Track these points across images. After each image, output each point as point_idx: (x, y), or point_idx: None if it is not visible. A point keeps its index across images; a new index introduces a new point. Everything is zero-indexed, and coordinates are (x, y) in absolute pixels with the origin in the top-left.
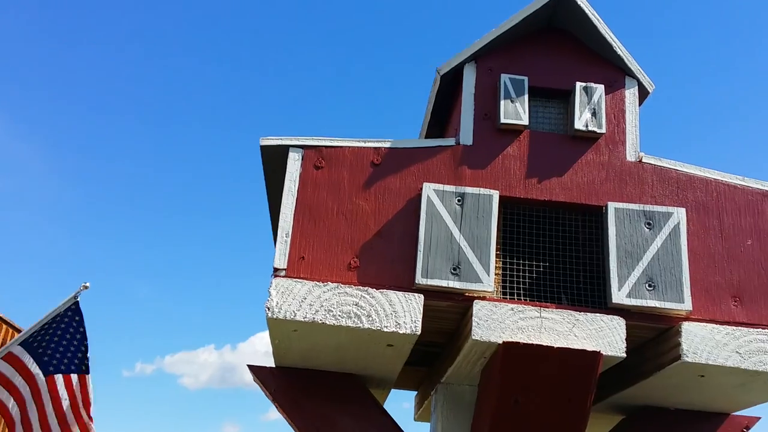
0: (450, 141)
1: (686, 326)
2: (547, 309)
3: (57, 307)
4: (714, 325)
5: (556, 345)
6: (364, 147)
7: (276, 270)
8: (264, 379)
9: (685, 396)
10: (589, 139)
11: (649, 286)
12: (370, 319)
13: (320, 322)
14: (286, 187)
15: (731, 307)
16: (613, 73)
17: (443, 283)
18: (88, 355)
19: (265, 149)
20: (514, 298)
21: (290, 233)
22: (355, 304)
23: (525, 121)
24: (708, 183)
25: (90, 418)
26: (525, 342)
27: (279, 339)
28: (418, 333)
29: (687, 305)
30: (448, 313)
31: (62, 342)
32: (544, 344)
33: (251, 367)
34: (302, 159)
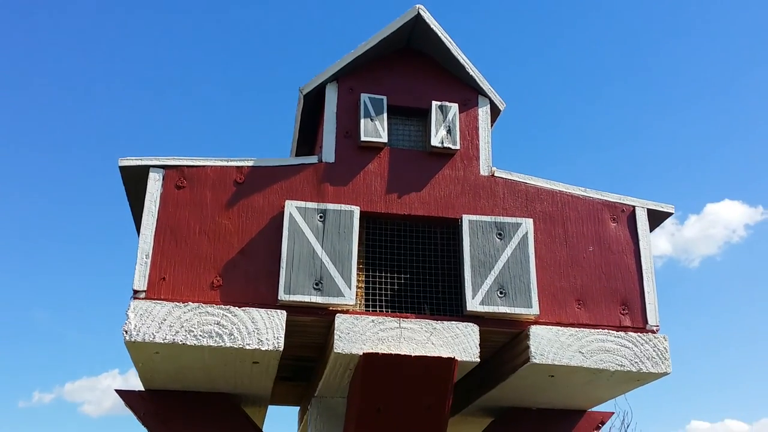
0: (313, 159)
1: (534, 330)
2: (406, 319)
3: None
4: (559, 328)
5: (414, 353)
6: (226, 166)
7: (136, 292)
8: (132, 403)
9: (543, 395)
10: (445, 155)
11: (501, 293)
12: (233, 337)
13: (181, 343)
14: (146, 208)
15: (575, 309)
16: (467, 92)
17: (306, 299)
18: None
19: (124, 170)
20: (376, 311)
21: (150, 254)
22: (217, 323)
23: (384, 138)
24: (554, 194)
25: None
26: (384, 352)
27: (142, 362)
28: (281, 349)
29: (535, 310)
30: (314, 327)
31: None
32: (402, 353)
33: (119, 392)
34: (163, 179)
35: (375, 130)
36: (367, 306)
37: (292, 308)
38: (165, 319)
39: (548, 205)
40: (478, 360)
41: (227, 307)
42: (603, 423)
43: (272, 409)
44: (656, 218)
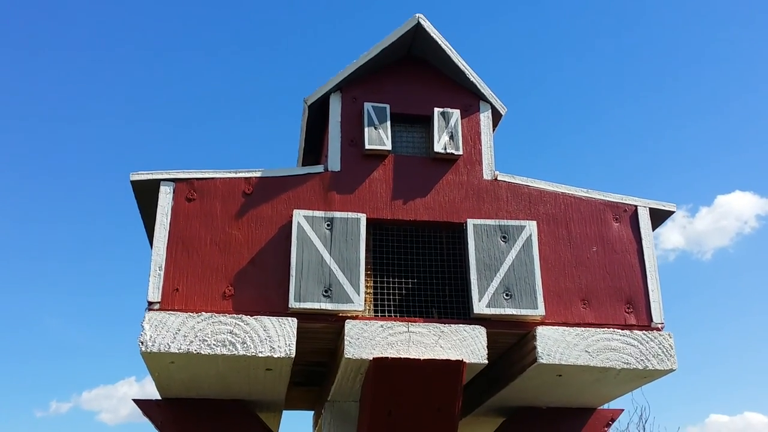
0: (319, 168)
1: (540, 330)
2: (414, 323)
3: None
4: (565, 328)
5: (423, 357)
6: (235, 177)
7: (150, 304)
8: (150, 412)
9: (552, 395)
10: (448, 160)
11: (507, 295)
12: (245, 345)
13: (195, 352)
14: (158, 221)
15: (581, 309)
16: (468, 98)
17: (316, 306)
18: None
19: (136, 185)
20: (384, 316)
21: (163, 266)
22: (230, 332)
23: (388, 146)
24: (557, 196)
25: None
26: (393, 357)
27: (158, 372)
28: (293, 355)
29: (540, 311)
30: (324, 333)
31: None
32: (411, 357)
33: (137, 401)
34: (174, 192)
35: (379, 137)
36: (375, 311)
37: (302, 315)
38: (179, 330)
39: (551, 207)
40: (486, 361)
41: (239, 316)
42: (613, 420)
43: (287, 414)
44: (658, 217)
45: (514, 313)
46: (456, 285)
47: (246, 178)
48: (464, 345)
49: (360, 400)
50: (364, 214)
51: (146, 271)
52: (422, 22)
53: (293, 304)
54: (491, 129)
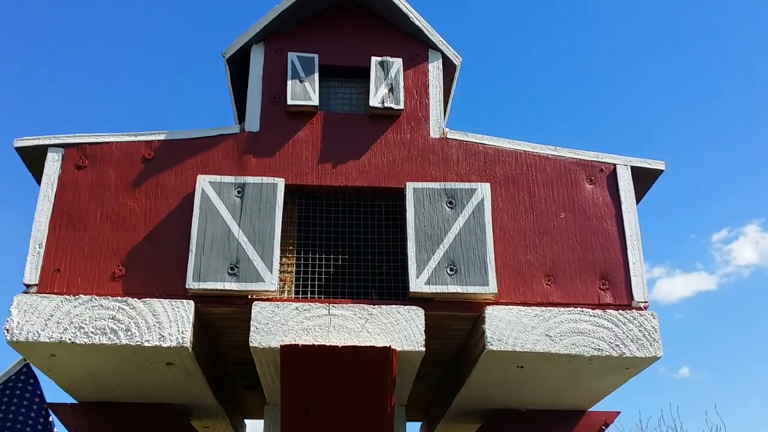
0: (234, 129)
1: (490, 311)
2: (336, 305)
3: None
4: (521, 308)
5: (345, 344)
6: (134, 141)
7: (27, 287)
8: (64, 417)
9: (524, 393)
10: (388, 117)
11: (451, 270)
12: (129, 333)
13: (69, 341)
14: (42, 192)
15: (544, 286)
16: (415, 46)
17: (219, 286)
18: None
19: (22, 151)
20: (307, 297)
21: (44, 243)
22: (112, 318)
23: (315, 101)
24: (518, 155)
25: None
26: (305, 344)
27: (46, 367)
28: (186, 345)
29: (492, 288)
30: (234, 320)
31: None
32: (328, 344)
33: (49, 405)
34: (62, 159)
35: (304, 92)
36: (298, 293)
37: (204, 298)
38: (52, 315)
39: (511, 167)
40: (423, 349)
41: (124, 299)
42: (607, 424)
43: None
44: (645, 178)
45: (459, 290)
46: (395, 260)
47: (147, 142)
48: (397, 329)
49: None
50: (283, 179)
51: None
52: None
53: (191, 284)
54: (441, 81)
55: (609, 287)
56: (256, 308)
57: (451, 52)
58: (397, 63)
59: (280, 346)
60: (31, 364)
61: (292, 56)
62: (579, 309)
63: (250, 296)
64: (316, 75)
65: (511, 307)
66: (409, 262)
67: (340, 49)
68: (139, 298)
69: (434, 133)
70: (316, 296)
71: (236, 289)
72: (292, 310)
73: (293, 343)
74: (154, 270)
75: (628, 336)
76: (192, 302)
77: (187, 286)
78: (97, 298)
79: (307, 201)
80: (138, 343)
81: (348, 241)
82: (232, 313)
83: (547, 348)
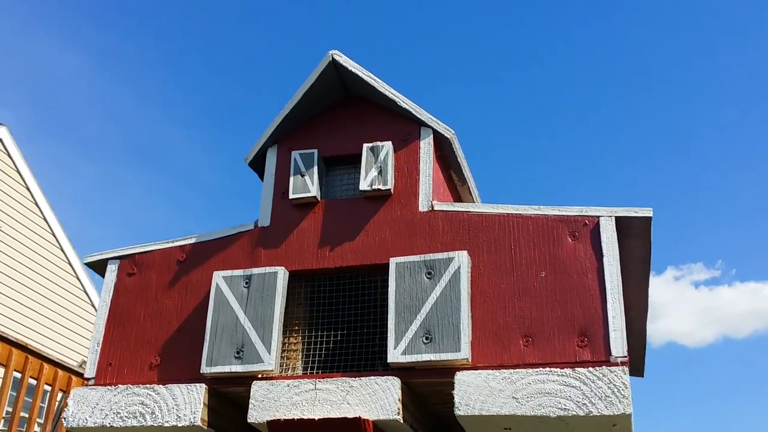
0: (249, 225)
1: (459, 376)
2: (322, 380)
3: None
4: (490, 372)
5: (329, 416)
6: (171, 247)
7: (87, 380)
8: None
9: None
10: (380, 198)
11: (426, 339)
12: (154, 415)
13: (109, 425)
14: (101, 298)
15: (521, 348)
16: (408, 127)
17: (226, 369)
18: None
19: (92, 266)
20: (310, 373)
21: (101, 342)
22: (141, 403)
23: (312, 192)
24: (501, 219)
25: None
26: (286, 418)
27: None
28: (198, 423)
29: (464, 353)
30: (245, 398)
31: None
32: (307, 417)
33: None
34: (118, 269)
35: (304, 185)
36: (306, 370)
37: (217, 380)
38: (97, 404)
39: (494, 232)
40: (398, 417)
41: (152, 386)
42: None
43: None
44: (631, 228)
45: (433, 358)
46: (381, 334)
47: (181, 246)
48: (374, 399)
49: None
50: (283, 268)
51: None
52: (336, 57)
53: (204, 369)
54: (431, 156)
55: (588, 344)
56: (255, 387)
57: (441, 127)
58: (386, 146)
59: (266, 421)
60: None
61: (294, 154)
62: (548, 369)
63: (251, 375)
64: (315, 168)
65: (480, 371)
66: (389, 334)
67: (339, 140)
68: (163, 384)
69: (423, 207)
70: (317, 372)
71: (240, 370)
72: (284, 387)
73: (276, 418)
74: (180, 358)
75: (596, 394)
76: (204, 385)
77: (201, 371)
78: (131, 386)
79: (310, 284)
80: (160, 423)
81: (346, 318)
82: (244, 392)
83: (513, 410)
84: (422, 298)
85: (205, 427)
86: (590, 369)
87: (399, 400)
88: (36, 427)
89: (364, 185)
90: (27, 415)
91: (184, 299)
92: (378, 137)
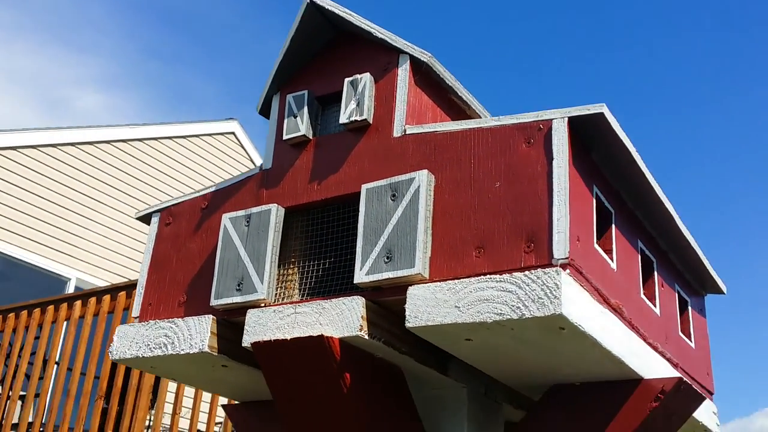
0: (255, 170)
1: (411, 290)
2: (301, 304)
3: None
4: (438, 284)
5: (300, 336)
6: (196, 197)
7: (134, 318)
8: (233, 416)
9: (535, 365)
10: (360, 129)
11: (387, 258)
12: (173, 345)
13: (142, 356)
14: (146, 248)
15: (474, 259)
16: (386, 56)
17: (229, 300)
18: None
19: (142, 219)
20: (301, 299)
21: (144, 285)
22: (165, 335)
23: (302, 131)
24: (465, 135)
25: None
26: (264, 339)
27: (169, 379)
28: (206, 350)
29: (417, 268)
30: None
31: None
32: (279, 338)
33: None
34: (159, 221)
35: (295, 125)
36: (302, 296)
37: (225, 312)
38: (134, 338)
39: (456, 149)
40: (360, 333)
41: (173, 320)
42: (665, 392)
43: None
44: (588, 127)
45: (391, 276)
46: (353, 258)
47: (203, 195)
48: (341, 319)
49: None
50: (276, 204)
51: None
52: (315, 0)
53: (213, 302)
54: (407, 82)
55: (533, 248)
56: (248, 315)
57: (417, 51)
58: (364, 77)
59: (251, 343)
60: None
61: (288, 97)
62: (488, 277)
63: (248, 305)
64: (305, 108)
65: (429, 284)
66: (357, 257)
67: (329, 79)
68: (181, 318)
69: (397, 132)
70: (308, 298)
71: (239, 301)
72: (271, 313)
73: (257, 340)
74: (199, 294)
75: (530, 296)
76: (211, 316)
77: (210, 304)
78: (159, 321)
79: (303, 218)
80: (177, 352)
81: (332, 247)
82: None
83: (455, 319)
84: (386, 220)
85: (215, 353)
86: (526, 273)
87: (362, 317)
88: None
89: (343, 118)
90: None
91: (205, 242)
92: (355, 71)
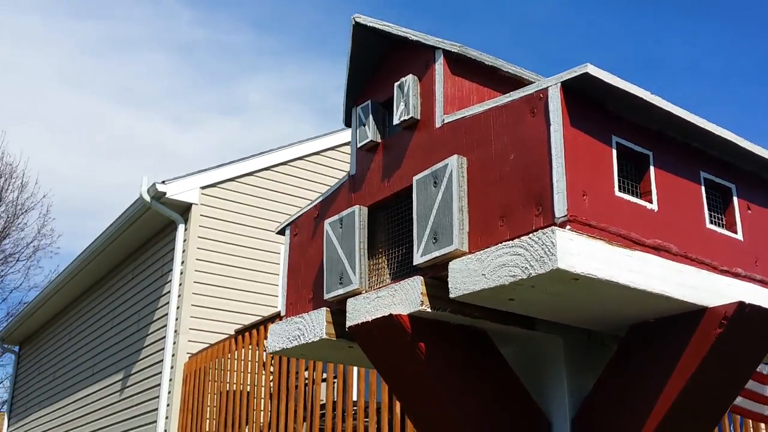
0: (345, 177)
1: (451, 265)
2: (381, 289)
3: None
4: (469, 257)
5: (377, 317)
6: (311, 208)
7: (280, 315)
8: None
9: (588, 309)
10: (410, 126)
11: (434, 239)
12: (303, 336)
13: (285, 348)
14: (282, 257)
15: (499, 229)
16: (425, 55)
17: (334, 293)
18: None
19: (280, 233)
20: (385, 284)
21: (285, 289)
22: (297, 329)
23: (369, 137)
24: (486, 115)
25: None
26: (355, 323)
27: (325, 359)
28: (325, 336)
29: (455, 245)
30: None
31: None
32: (364, 321)
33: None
34: (289, 233)
35: (364, 133)
36: (392, 281)
37: (336, 303)
38: (281, 334)
39: (480, 130)
40: (422, 307)
41: (301, 315)
42: (726, 318)
43: None
44: (586, 86)
45: (438, 254)
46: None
47: (315, 206)
48: (407, 297)
49: None
50: (358, 205)
51: None
52: (358, 20)
53: (325, 296)
54: (443, 75)
55: (542, 212)
56: (348, 303)
57: (447, 44)
58: (409, 79)
59: (348, 327)
60: None
61: (357, 109)
62: (502, 244)
63: (348, 296)
64: (371, 116)
65: (462, 258)
66: (414, 242)
67: (386, 86)
68: (305, 312)
69: (438, 123)
70: (393, 281)
71: (342, 293)
72: (362, 300)
73: (350, 324)
74: (319, 292)
75: (534, 257)
76: (325, 308)
77: (324, 298)
78: (293, 317)
79: (383, 213)
80: (307, 341)
81: (405, 235)
82: None
83: (483, 285)
84: (431, 205)
85: (334, 338)
86: (530, 236)
87: (422, 293)
88: None
89: (396, 120)
90: None
91: (318, 246)
92: (407, 74)
